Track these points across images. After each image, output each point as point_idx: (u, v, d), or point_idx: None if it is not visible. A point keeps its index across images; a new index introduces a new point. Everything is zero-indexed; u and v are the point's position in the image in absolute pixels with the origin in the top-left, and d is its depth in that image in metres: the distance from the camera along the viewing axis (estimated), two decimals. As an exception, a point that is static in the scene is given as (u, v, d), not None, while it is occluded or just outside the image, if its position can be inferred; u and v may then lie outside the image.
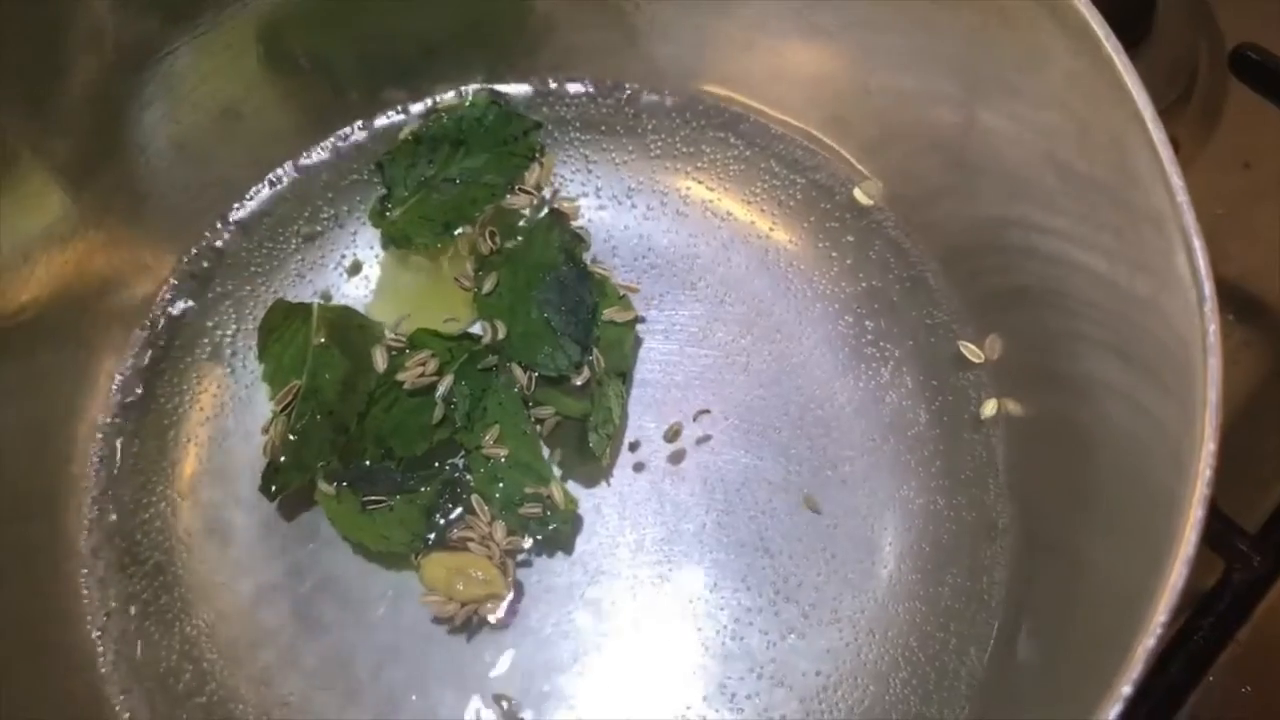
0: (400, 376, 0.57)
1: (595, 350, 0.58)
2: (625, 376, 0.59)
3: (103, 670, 0.55)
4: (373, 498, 0.56)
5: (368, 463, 0.56)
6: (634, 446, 0.59)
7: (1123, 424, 0.49)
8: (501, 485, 0.56)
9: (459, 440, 0.57)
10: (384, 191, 0.61)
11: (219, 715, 0.54)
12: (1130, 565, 0.44)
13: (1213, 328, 0.41)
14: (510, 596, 0.56)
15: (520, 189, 0.61)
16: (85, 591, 0.56)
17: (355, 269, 0.62)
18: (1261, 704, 0.59)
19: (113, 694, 0.54)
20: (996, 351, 0.59)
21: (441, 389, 0.57)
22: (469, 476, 0.57)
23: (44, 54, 0.53)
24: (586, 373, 0.57)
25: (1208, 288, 0.42)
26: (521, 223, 0.60)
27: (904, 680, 0.55)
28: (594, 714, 0.54)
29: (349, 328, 0.58)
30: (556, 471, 0.58)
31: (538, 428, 0.58)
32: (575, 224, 0.61)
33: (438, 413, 0.57)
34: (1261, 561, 0.59)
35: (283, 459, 0.56)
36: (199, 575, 0.57)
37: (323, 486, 0.56)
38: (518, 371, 0.57)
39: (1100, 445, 0.51)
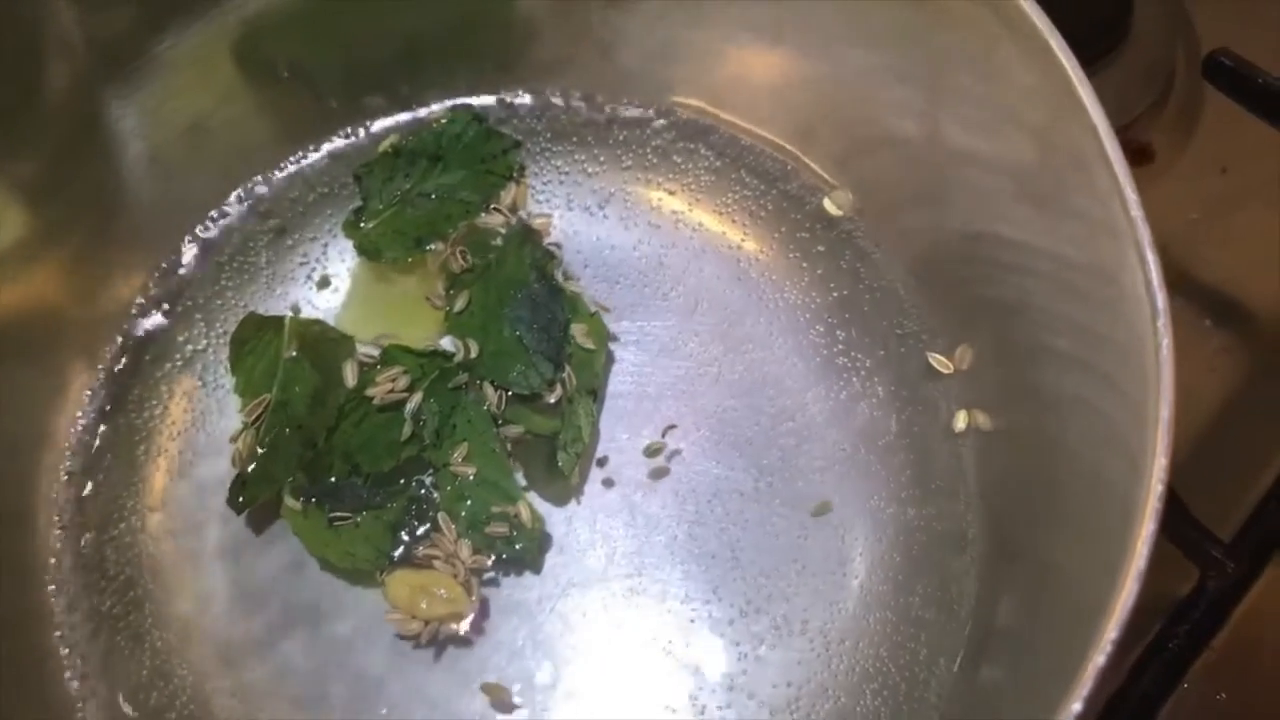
0: (370, 391, 0.57)
1: (567, 368, 0.57)
2: (596, 394, 0.58)
3: (72, 685, 0.55)
4: (339, 514, 0.55)
5: (334, 479, 0.56)
6: (604, 460, 0.59)
7: (1086, 435, 0.49)
8: (469, 503, 0.56)
9: (427, 458, 0.57)
10: (359, 203, 0.61)
11: (191, 729, 0.55)
12: (1093, 575, 0.44)
13: (1165, 342, 0.41)
14: (473, 614, 0.55)
15: (495, 208, 0.61)
16: (54, 606, 0.56)
17: (325, 282, 0.62)
18: (1236, 711, 0.59)
19: (83, 709, 0.54)
20: (966, 362, 0.59)
21: (410, 406, 0.57)
22: (436, 494, 0.57)
23: (8, 69, 0.53)
24: (559, 390, 0.57)
25: (1160, 301, 0.42)
26: (495, 241, 0.60)
27: (874, 691, 0.55)
28: (562, 722, 0.55)
29: (321, 341, 0.58)
30: (523, 483, 0.58)
31: (507, 445, 0.58)
32: (547, 240, 0.61)
33: (406, 429, 0.56)
34: (1236, 568, 0.60)
35: (251, 470, 0.55)
36: (169, 590, 0.57)
37: (289, 502, 0.55)
38: (488, 389, 0.57)
39: (1066, 456, 0.51)
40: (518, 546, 0.56)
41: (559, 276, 0.60)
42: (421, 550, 0.56)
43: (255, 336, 0.58)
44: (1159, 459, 0.40)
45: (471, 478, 0.56)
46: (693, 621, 0.56)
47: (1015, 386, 0.56)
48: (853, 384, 0.60)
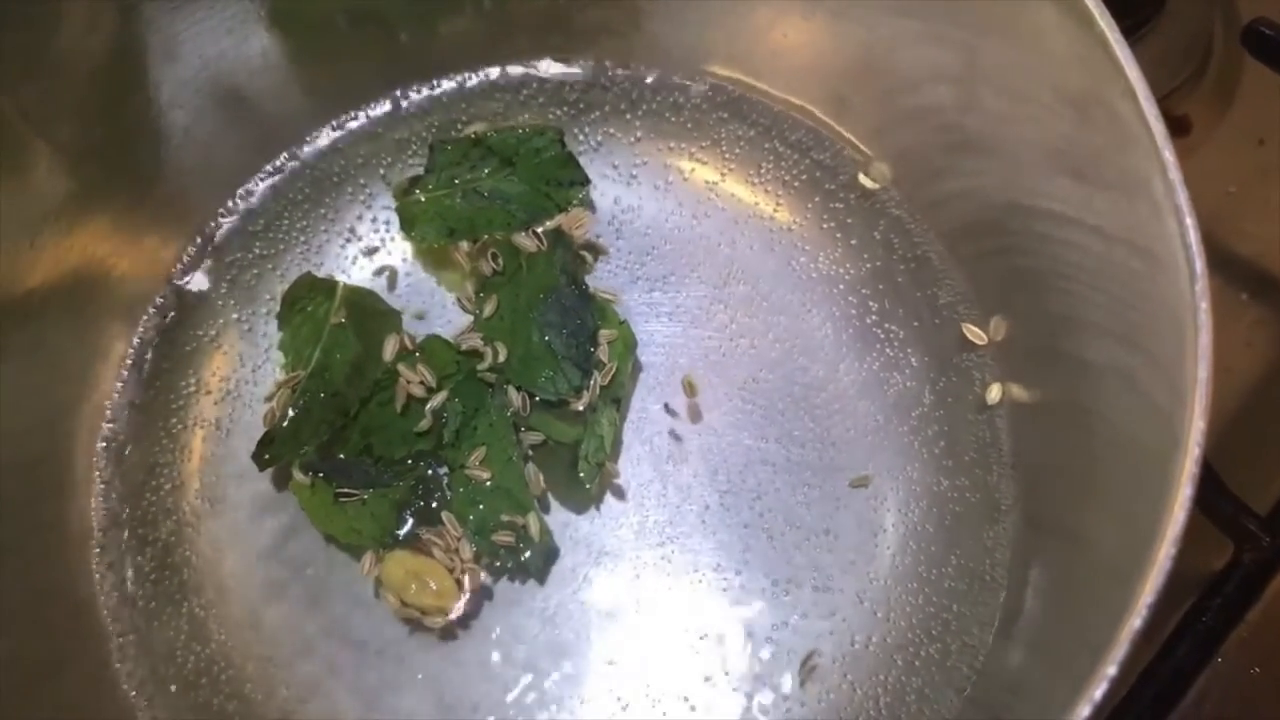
0: (400, 366, 0.57)
1: (595, 375, 0.57)
2: (620, 404, 0.58)
3: (112, 650, 0.55)
4: (345, 490, 0.55)
5: (343, 455, 0.56)
6: (638, 429, 0.59)
7: (1122, 405, 0.49)
8: (480, 508, 0.56)
9: (444, 456, 0.57)
10: (420, 173, 0.61)
11: (227, 693, 0.55)
12: (1129, 544, 0.43)
13: (1203, 305, 0.41)
14: (459, 612, 0.55)
15: (534, 231, 0.59)
16: (95, 571, 0.56)
17: (367, 251, 0.62)
18: (1271, 684, 0.59)
19: (122, 673, 0.55)
20: (1001, 333, 0.58)
21: (434, 402, 0.56)
22: (448, 493, 0.56)
23: (47, 37, 0.53)
24: (585, 397, 0.56)
25: (1199, 265, 0.41)
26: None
27: (906, 661, 0.55)
28: (596, 694, 0.55)
29: (369, 312, 0.59)
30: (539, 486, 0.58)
31: (527, 453, 0.57)
32: (578, 241, 0.60)
33: (424, 423, 0.56)
34: (1272, 542, 0.59)
35: (281, 428, 0.55)
36: (206, 556, 0.57)
37: (297, 476, 0.56)
38: (512, 394, 0.57)
39: (1102, 427, 0.51)
40: (523, 559, 0.56)
41: (590, 281, 0.59)
42: (425, 534, 0.55)
43: (307, 296, 0.58)
44: (1196, 421, 0.39)
45: (487, 483, 0.56)
46: (724, 591, 0.56)
47: (1050, 357, 0.55)
48: (886, 355, 0.60)
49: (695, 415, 0.59)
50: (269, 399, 0.57)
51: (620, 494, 0.58)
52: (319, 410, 0.56)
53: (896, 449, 0.58)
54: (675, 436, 0.59)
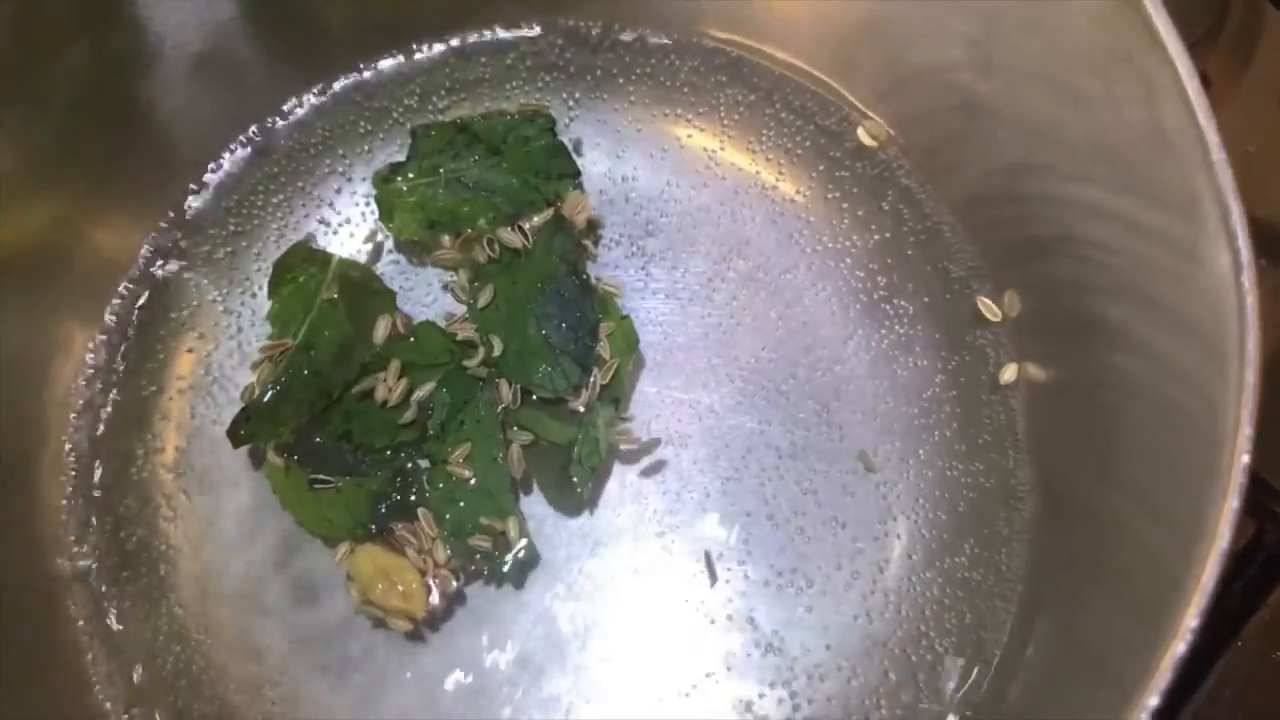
0: (369, 382, 0.54)
1: (595, 371, 0.54)
2: (619, 404, 0.55)
3: (85, 652, 0.53)
4: (320, 477, 0.53)
5: (319, 440, 0.53)
6: (635, 413, 0.56)
7: (1150, 386, 0.47)
8: (460, 506, 0.53)
9: (427, 450, 0.54)
10: (402, 159, 0.58)
11: (208, 696, 0.53)
12: (1162, 545, 0.42)
13: (1250, 301, 0.38)
14: (422, 618, 0.52)
15: (519, 226, 0.56)
16: (65, 569, 0.54)
17: (338, 228, 0.59)
18: (1292, 670, 0.57)
19: (96, 677, 0.53)
20: (1015, 308, 0.56)
21: (420, 393, 0.54)
22: (427, 490, 0.54)
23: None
24: (584, 395, 0.53)
25: (1244, 255, 0.39)
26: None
27: (919, 655, 0.53)
28: (595, 687, 0.53)
29: (362, 291, 0.56)
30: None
31: (518, 449, 0.54)
32: (579, 228, 0.57)
33: (409, 413, 0.53)
34: (1294, 523, 0.58)
35: (260, 405, 0.53)
36: (184, 551, 0.55)
37: (272, 458, 0.53)
38: (503, 388, 0.54)
39: (1127, 409, 0.49)
40: (501, 565, 0.53)
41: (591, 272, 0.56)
42: (400, 529, 0.53)
43: (300, 267, 0.55)
44: (1243, 428, 0.37)
45: (469, 482, 0.53)
46: (727, 582, 0.54)
47: (1070, 333, 0.53)
48: (895, 332, 0.57)
49: (695, 398, 0.57)
50: (254, 366, 0.55)
51: (617, 481, 0.56)
52: (300, 389, 0.53)
53: (907, 432, 0.56)
54: (673, 420, 0.56)
